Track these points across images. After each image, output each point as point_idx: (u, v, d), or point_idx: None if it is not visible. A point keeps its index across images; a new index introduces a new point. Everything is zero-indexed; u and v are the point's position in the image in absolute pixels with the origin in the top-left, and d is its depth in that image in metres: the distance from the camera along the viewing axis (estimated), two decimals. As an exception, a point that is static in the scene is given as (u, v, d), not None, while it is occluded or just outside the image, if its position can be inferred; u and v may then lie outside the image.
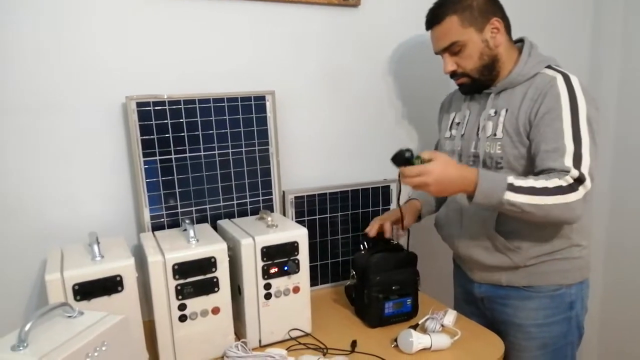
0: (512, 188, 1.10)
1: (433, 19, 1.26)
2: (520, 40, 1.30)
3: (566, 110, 1.15)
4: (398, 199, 1.38)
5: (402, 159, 1.13)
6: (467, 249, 1.33)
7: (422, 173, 1.09)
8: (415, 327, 1.26)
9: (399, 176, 1.13)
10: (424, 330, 1.25)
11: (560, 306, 1.29)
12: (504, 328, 1.34)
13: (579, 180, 1.11)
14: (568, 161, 1.11)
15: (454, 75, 1.29)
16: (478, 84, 1.28)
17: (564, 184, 1.10)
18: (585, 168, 1.11)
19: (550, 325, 1.29)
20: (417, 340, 1.17)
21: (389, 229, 1.38)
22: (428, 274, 1.80)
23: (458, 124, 1.38)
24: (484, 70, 1.26)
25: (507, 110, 1.24)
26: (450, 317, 1.30)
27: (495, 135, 1.25)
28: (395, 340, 1.21)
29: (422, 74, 1.67)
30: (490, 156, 1.26)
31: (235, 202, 1.40)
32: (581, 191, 1.10)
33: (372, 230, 1.38)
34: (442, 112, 1.50)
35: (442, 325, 1.27)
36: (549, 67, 1.24)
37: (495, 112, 1.26)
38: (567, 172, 1.10)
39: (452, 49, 1.24)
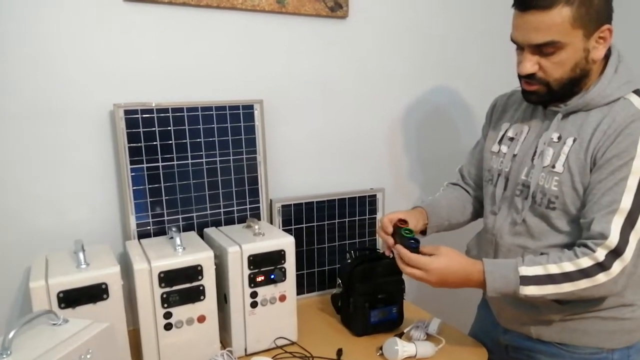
0: (527, 280, 0.97)
1: (537, 2, 0.96)
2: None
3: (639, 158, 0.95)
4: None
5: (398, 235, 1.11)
6: None
7: (423, 268, 1.02)
8: (400, 335, 1.27)
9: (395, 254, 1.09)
10: (409, 339, 1.26)
11: None
12: None
13: (616, 253, 0.94)
14: (616, 223, 0.94)
15: (528, 77, 1.03)
16: (552, 97, 1.05)
17: (591, 263, 0.95)
18: (635, 235, 0.95)
19: None
20: (402, 348, 1.18)
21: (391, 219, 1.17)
22: (413, 282, 1.82)
23: (511, 139, 1.16)
24: (568, 84, 1.02)
25: (574, 140, 1.02)
26: (434, 325, 1.31)
27: (553, 167, 1.04)
28: (381, 348, 1.22)
29: (410, 85, 1.69)
30: (544, 192, 1.06)
31: (222, 210, 1.41)
32: (616, 267, 0.94)
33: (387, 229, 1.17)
34: (492, 117, 1.26)
35: (427, 334, 1.29)
36: (637, 92, 1.01)
37: (559, 138, 1.05)
38: (604, 240, 0.94)
39: (545, 49, 0.98)
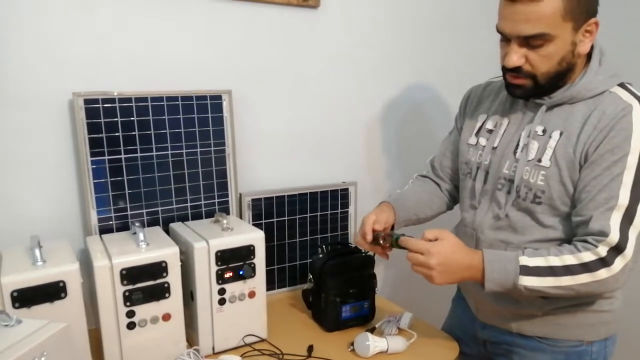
0: (527, 271, 0.95)
1: None
2: None
3: (635, 153, 0.93)
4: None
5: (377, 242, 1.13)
6: (476, 284, 1.05)
7: (425, 252, 0.98)
8: (372, 330, 1.26)
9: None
10: (381, 334, 1.24)
11: None
12: None
13: (617, 250, 0.93)
14: (615, 219, 0.93)
15: (514, 71, 1.00)
16: (537, 91, 1.02)
17: (593, 258, 0.93)
18: (634, 230, 0.93)
19: None
20: (374, 343, 1.16)
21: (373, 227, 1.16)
22: (385, 276, 1.81)
23: (490, 131, 1.14)
24: (554, 78, 1.00)
25: (561, 134, 1.01)
26: (406, 319, 1.30)
27: (540, 161, 1.02)
28: (352, 344, 1.20)
29: (382, 76, 1.67)
30: (529, 186, 1.03)
31: (189, 204, 1.36)
32: (618, 264, 0.93)
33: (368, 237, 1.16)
34: (467, 108, 1.24)
35: (399, 328, 1.27)
36: (622, 85, 1.00)
37: (544, 131, 1.03)
38: (604, 237, 0.93)
39: (534, 42, 0.96)
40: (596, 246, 0.94)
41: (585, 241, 0.96)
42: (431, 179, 1.35)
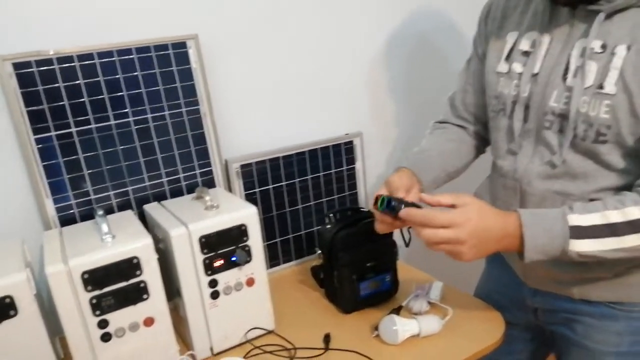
0: (579, 232, 0.76)
1: None
2: None
3: None
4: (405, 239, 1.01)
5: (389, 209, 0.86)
6: None
7: (451, 225, 0.78)
8: (398, 310, 1.06)
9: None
10: (409, 313, 1.05)
11: None
12: (566, 348, 0.99)
13: None
14: None
15: None
16: None
17: None
18: None
19: (636, 356, 0.92)
20: (403, 328, 0.97)
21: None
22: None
23: (526, 54, 0.90)
24: None
25: (629, 48, 0.77)
26: (436, 290, 1.11)
27: (601, 88, 0.79)
28: (377, 328, 1.00)
29: (382, 5, 1.40)
30: (589, 121, 0.81)
31: (165, 179, 1.13)
32: None
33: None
34: (488, 26, 1.00)
35: (429, 303, 1.08)
36: None
37: (604, 47, 0.80)
38: None
39: None
40: None
41: None
42: (452, 123, 1.10)
